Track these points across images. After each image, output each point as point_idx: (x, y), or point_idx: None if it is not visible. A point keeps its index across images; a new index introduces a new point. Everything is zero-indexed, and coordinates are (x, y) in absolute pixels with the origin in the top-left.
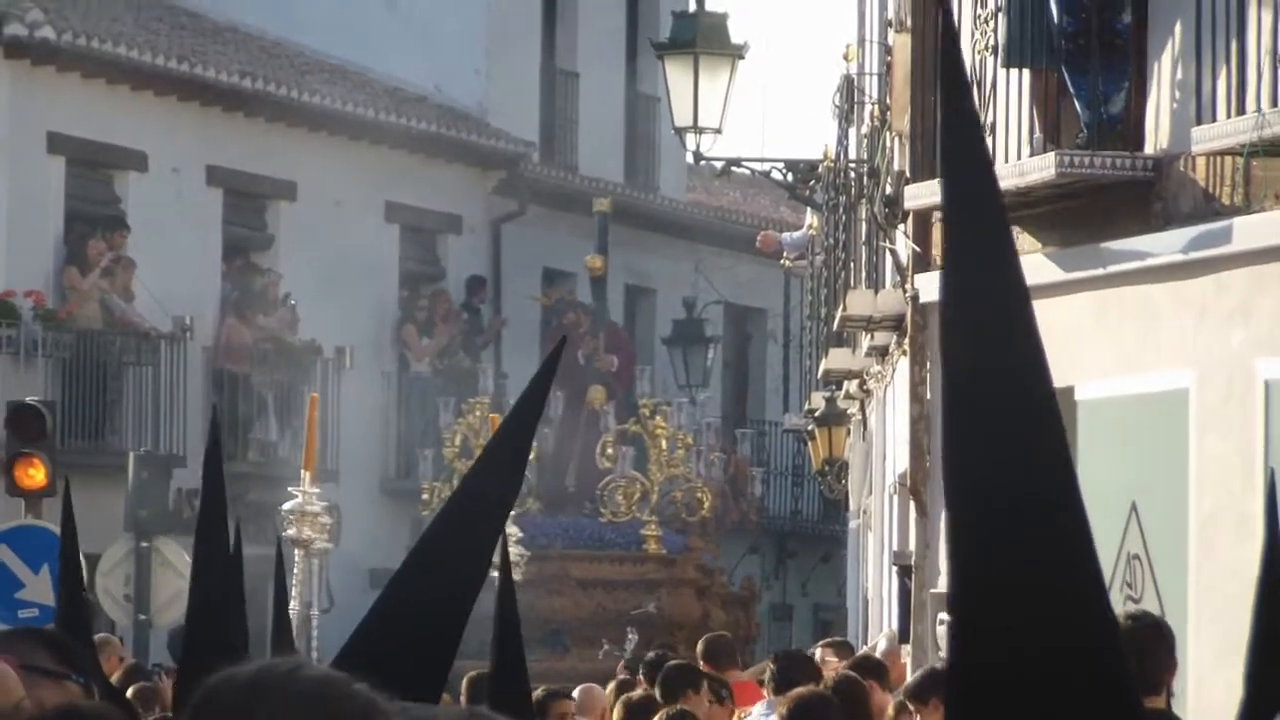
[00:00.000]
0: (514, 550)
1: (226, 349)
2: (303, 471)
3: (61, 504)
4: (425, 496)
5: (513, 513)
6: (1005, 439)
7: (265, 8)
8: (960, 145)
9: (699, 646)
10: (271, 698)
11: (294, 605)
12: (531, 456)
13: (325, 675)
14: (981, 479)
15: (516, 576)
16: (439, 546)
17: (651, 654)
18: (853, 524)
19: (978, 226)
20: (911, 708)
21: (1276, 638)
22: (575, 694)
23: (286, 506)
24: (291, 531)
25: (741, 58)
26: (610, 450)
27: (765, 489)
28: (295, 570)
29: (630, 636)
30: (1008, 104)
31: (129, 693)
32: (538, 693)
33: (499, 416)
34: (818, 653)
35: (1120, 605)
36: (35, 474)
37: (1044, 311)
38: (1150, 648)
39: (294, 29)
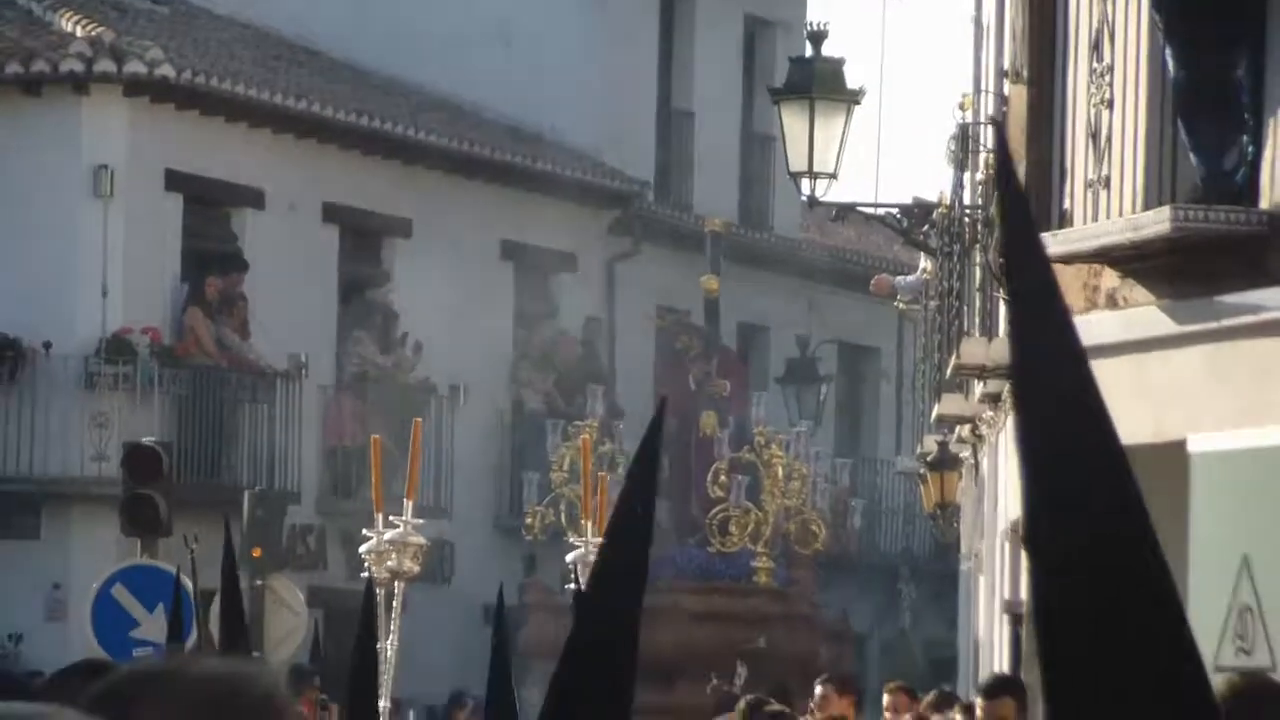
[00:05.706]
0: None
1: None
2: (405, 500)
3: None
4: (529, 521)
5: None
6: (1074, 489)
7: (382, 46)
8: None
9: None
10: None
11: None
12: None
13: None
14: (1054, 526)
15: None
16: (586, 632)
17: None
18: (964, 566)
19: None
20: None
21: None
22: None
23: (388, 536)
24: (392, 563)
25: (857, 103)
26: (724, 479)
27: (865, 523)
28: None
29: (739, 670)
30: (1123, 157)
31: None
32: None
33: (611, 444)
34: (818, 689)
35: (1232, 658)
36: (151, 514)
37: (1156, 364)
38: (1265, 706)
39: (410, 67)
